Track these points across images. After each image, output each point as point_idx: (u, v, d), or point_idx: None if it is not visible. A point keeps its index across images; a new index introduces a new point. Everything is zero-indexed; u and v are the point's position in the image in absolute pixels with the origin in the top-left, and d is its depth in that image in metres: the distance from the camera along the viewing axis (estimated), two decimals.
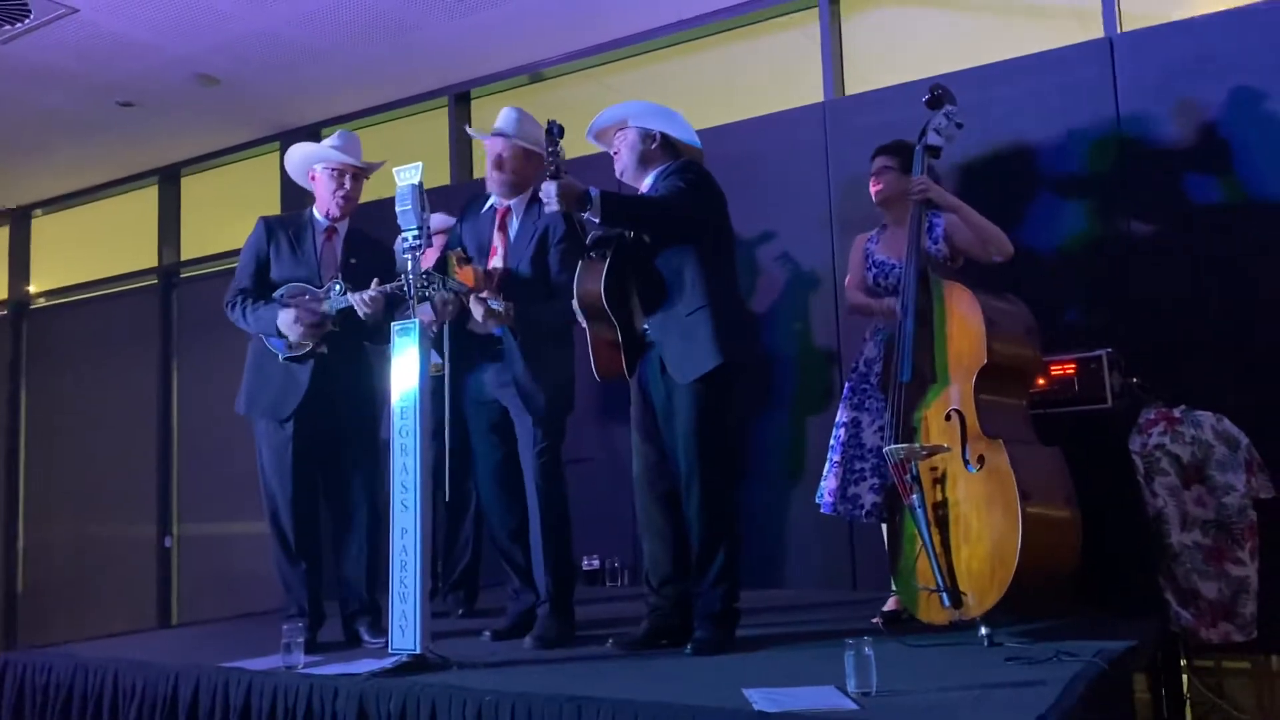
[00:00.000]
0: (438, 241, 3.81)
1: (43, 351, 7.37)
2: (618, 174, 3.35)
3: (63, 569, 6.94)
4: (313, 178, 3.63)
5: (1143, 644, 2.93)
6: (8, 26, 4.68)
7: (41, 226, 7.56)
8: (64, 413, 7.12)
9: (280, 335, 3.44)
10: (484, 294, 3.26)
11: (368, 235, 3.69)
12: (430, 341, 3.69)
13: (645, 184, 3.27)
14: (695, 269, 3.09)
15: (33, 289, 7.52)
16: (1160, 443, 3.32)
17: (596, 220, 3.00)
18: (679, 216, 3.09)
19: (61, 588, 6.90)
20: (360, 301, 3.31)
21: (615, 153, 3.31)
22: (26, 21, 4.64)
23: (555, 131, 2.98)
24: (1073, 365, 3.51)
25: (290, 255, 3.55)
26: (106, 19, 4.67)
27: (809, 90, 4.72)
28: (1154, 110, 3.86)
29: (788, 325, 4.54)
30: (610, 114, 3.31)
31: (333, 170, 3.56)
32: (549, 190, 2.94)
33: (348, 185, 3.57)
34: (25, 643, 6.50)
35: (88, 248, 7.29)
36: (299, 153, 3.67)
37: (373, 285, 3.31)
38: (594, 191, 2.95)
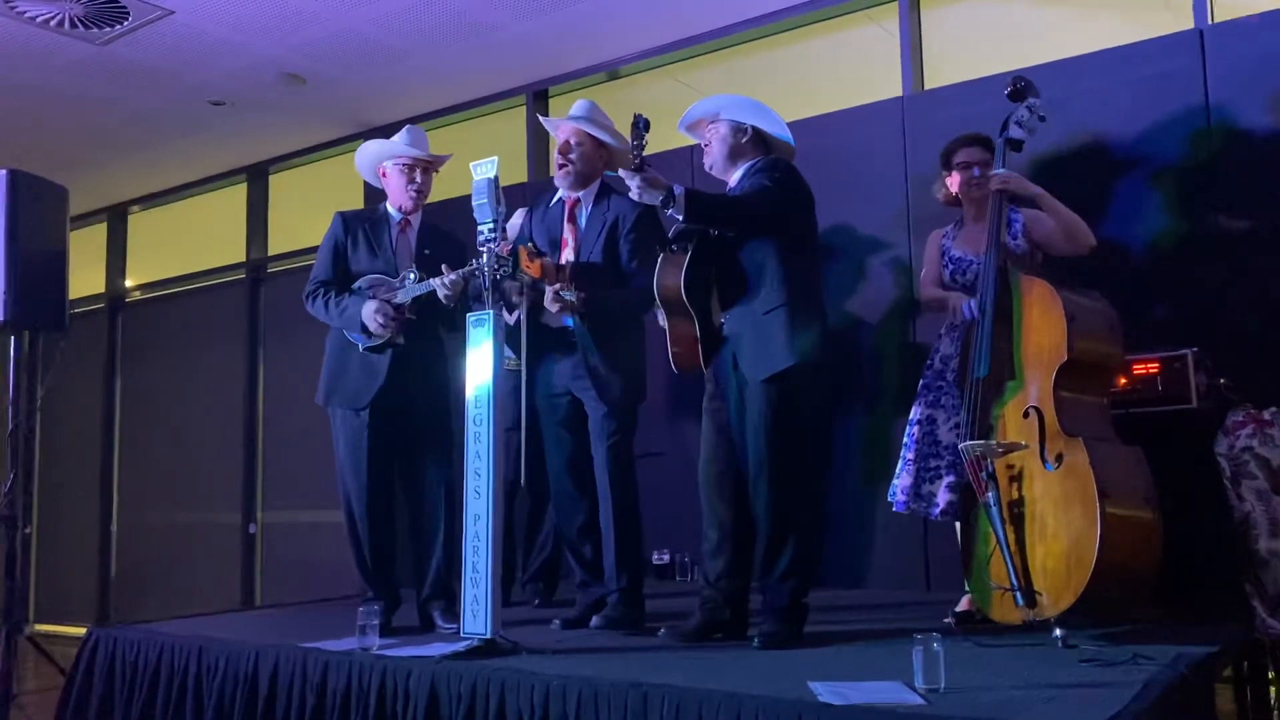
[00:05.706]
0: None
1: (137, 344, 7.62)
2: (706, 167, 3.34)
3: (153, 553, 7.17)
4: (384, 174, 3.71)
5: (1226, 651, 2.85)
6: (107, 28, 4.86)
7: (137, 223, 7.83)
8: (155, 403, 7.36)
9: (361, 328, 3.51)
10: (557, 285, 3.29)
11: (440, 228, 3.77)
12: (506, 335, 3.76)
13: (734, 178, 3.26)
14: (776, 266, 3.07)
15: (129, 283, 7.79)
16: (1248, 445, 3.22)
17: (679, 218, 2.99)
18: (762, 217, 3.07)
19: (152, 571, 7.13)
20: (441, 284, 3.37)
21: (706, 145, 3.31)
22: (124, 24, 4.82)
23: (640, 125, 2.97)
24: (1156, 364, 3.43)
25: (367, 248, 3.64)
26: (200, 20, 4.83)
27: (887, 85, 4.67)
28: (1246, 103, 3.73)
29: (864, 322, 4.49)
30: (703, 106, 3.31)
31: (403, 165, 3.64)
32: (633, 183, 2.95)
33: (419, 179, 3.65)
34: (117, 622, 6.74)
35: (180, 243, 7.52)
36: (369, 150, 3.75)
37: (444, 270, 3.36)
38: (678, 189, 2.94)
